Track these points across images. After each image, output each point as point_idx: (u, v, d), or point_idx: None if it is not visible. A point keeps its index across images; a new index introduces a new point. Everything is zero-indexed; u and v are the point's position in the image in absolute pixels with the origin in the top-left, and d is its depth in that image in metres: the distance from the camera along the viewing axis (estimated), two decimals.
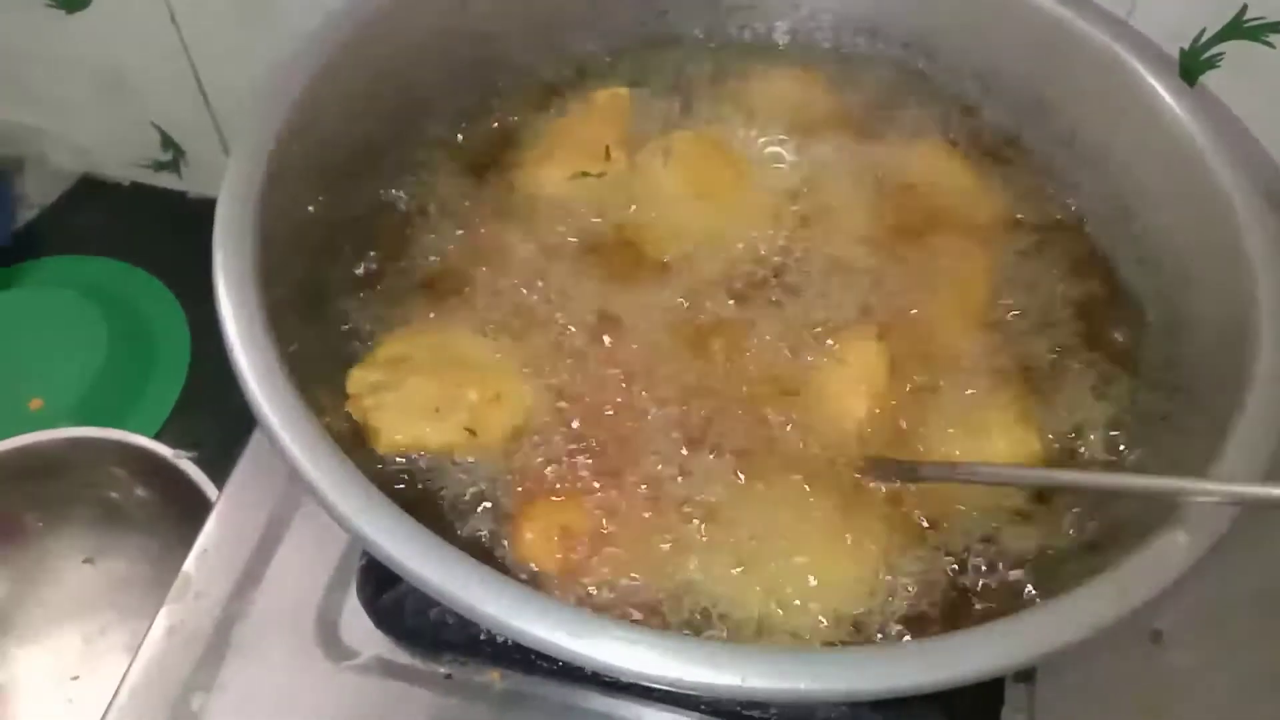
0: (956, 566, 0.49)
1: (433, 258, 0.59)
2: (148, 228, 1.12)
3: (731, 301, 0.57)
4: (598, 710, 0.58)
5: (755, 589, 0.47)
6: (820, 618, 0.46)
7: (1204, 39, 0.67)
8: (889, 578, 0.48)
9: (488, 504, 0.50)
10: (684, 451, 0.51)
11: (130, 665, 0.59)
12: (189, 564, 0.62)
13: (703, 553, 0.48)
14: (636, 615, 0.47)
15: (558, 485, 0.50)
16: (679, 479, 0.51)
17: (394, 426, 0.50)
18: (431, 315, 0.56)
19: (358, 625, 0.60)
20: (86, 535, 0.88)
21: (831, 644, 0.46)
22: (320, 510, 0.63)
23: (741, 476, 0.50)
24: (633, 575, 0.48)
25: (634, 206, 0.61)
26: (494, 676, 0.59)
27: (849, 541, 0.48)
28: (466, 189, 0.62)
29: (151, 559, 0.88)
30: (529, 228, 0.60)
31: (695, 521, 0.49)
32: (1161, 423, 0.53)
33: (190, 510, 0.82)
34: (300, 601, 0.61)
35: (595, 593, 0.47)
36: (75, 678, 0.85)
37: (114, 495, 0.87)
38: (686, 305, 0.57)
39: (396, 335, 0.55)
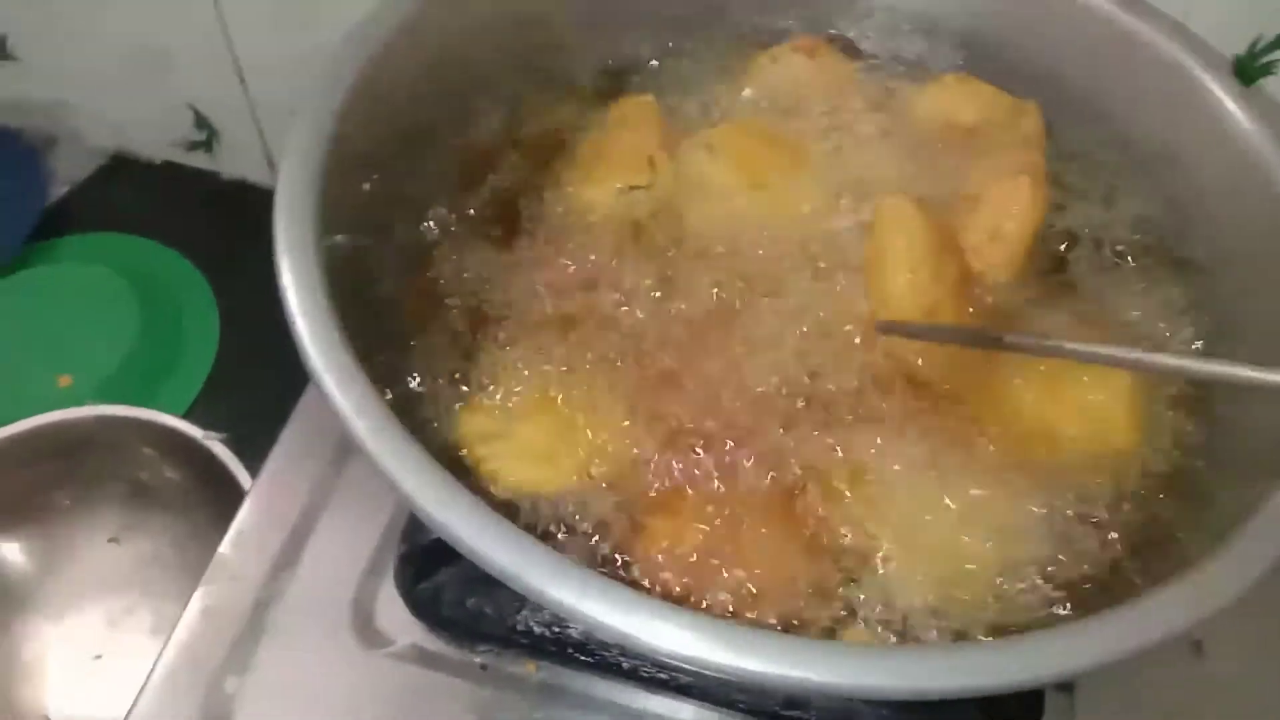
0: None
1: (481, 287, 0.56)
2: (178, 207, 1.12)
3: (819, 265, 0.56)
4: (633, 705, 0.58)
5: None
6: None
7: (1260, 45, 0.66)
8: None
9: (603, 536, 0.48)
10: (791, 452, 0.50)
11: (164, 646, 0.59)
12: (225, 546, 0.61)
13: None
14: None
15: (676, 507, 0.48)
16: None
17: (509, 473, 0.48)
18: (506, 347, 0.54)
19: (393, 612, 0.59)
20: (113, 514, 0.88)
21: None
22: (357, 497, 0.64)
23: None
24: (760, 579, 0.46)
25: (689, 213, 0.59)
26: (530, 668, 0.59)
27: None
28: (511, 206, 0.60)
29: (178, 540, 0.88)
30: (587, 253, 0.57)
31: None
32: None
33: (218, 492, 0.81)
34: (336, 587, 0.60)
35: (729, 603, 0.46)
36: (98, 657, 0.84)
37: (142, 475, 0.87)
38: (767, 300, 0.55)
39: (491, 374, 0.53)
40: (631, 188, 0.59)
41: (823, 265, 0.56)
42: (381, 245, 0.55)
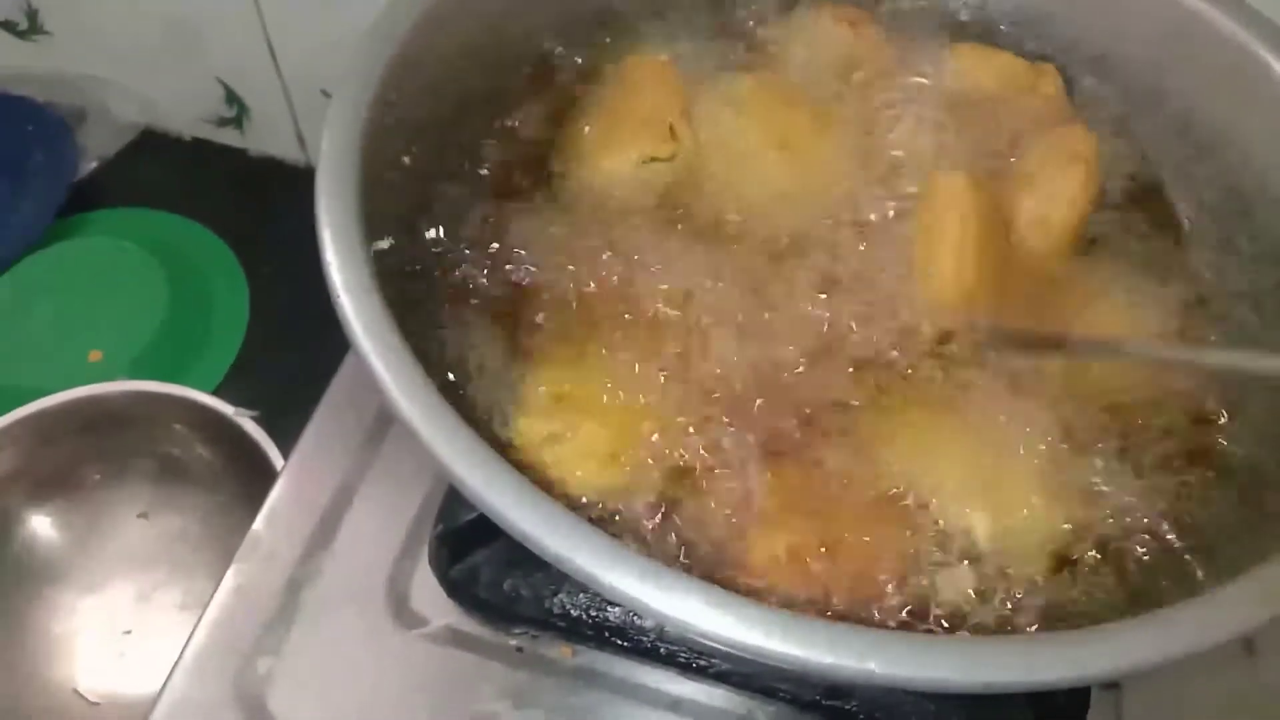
0: None
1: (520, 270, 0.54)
2: (207, 184, 1.12)
3: (861, 246, 0.54)
4: (671, 691, 0.57)
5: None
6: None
7: None
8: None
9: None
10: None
11: (196, 625, 0.58)
12: (259, 524, 0.61)
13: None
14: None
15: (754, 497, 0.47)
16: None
17: (575, 478, 0.47)
18: (549, 339, 0.52)
19: (428, 593, 0.59)
20: (143, 490, 0.88)
21: None
22: (392, 477, 0.63)
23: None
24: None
25: (717, 182, 0.57)
26: (565, 652, 0.58)
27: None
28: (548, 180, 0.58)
29: (207, 516, 0.88)
30: (614, 233, 0.55)
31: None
32: None
33: (248, 469, 0.81)
34: (370, 567, 0.60)
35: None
36: (128, 632, 0.84)
37: (172, 451, 0.86)
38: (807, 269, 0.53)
39: (541, 373, 0.50)
40: (653, 159, 0.56)
41: (861, 232, 0.55)
42: (421, 222, 0.54)
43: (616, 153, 0.57)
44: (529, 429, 0.48)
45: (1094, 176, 0.57)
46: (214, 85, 1.05)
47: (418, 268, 0.52)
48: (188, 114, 1.10)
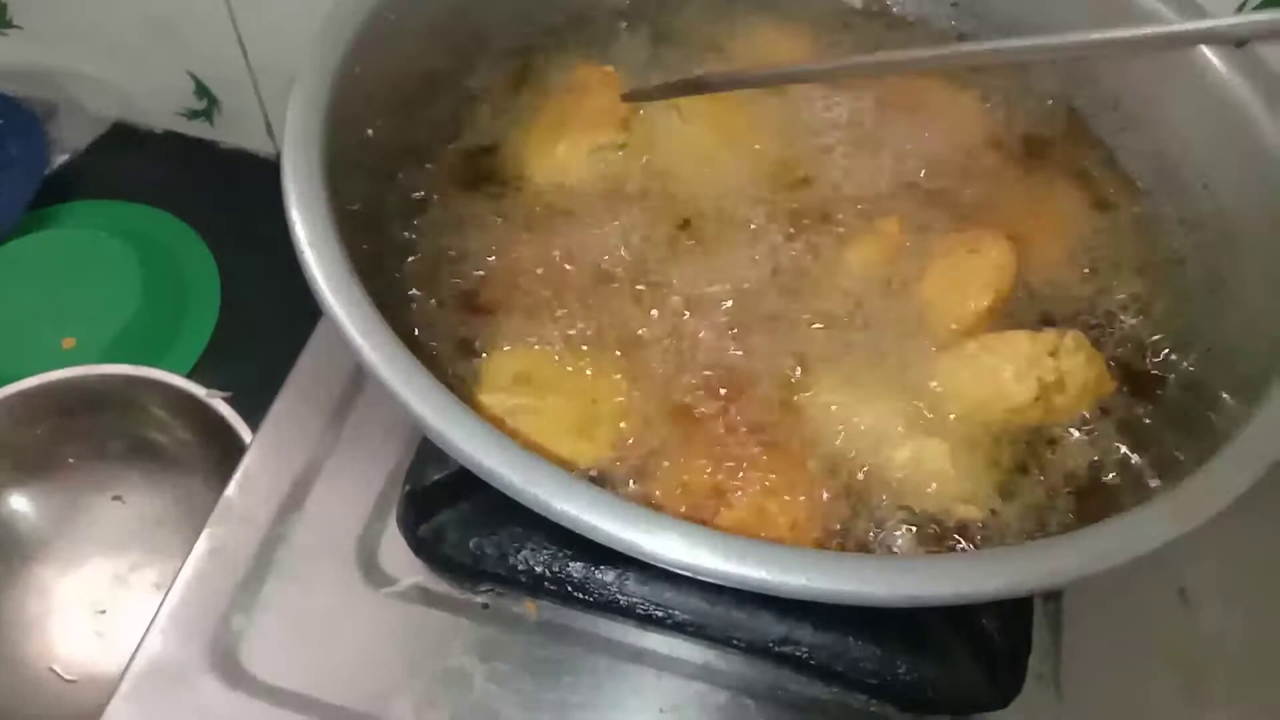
0: None
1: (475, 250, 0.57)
2: (179, 176, 1.13)
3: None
4: (631, 642, 0.59)
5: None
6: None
7: (1248, 6, 0.68)
8: None
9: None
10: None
11: (170, 585, 0.60)
12: (231, 489, 0.63)
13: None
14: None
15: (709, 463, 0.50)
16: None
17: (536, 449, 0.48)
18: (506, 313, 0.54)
19: (397, 554, 0.61)
20: (119, 472, 0.89)
21: None
22: (362, 442, 0.65)
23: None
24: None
25: (666, 177, 0.60)
26: (530, 607, 0.60)
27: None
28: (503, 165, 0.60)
29: (182, 499, 0.89)
30: (573, 215, 0.58)
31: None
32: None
33: (223, 451, 0.83)
34: (341, 529, 0.62)
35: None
36: (103, 611, 0.86)
37: (147, 433, 0.88)
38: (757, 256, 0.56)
39: (503, 353, 0.53)
40: (602, 148, 0.59)
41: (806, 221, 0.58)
42: (384, 195, 0.56)
43: (570, 140, 0.60)
44: (492, 404, 0.50)
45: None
46: (184, 78, 1.06)
47: (380, 242, 0.54)
48: (159, 107, 1.12)
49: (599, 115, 0.60)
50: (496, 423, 0.46)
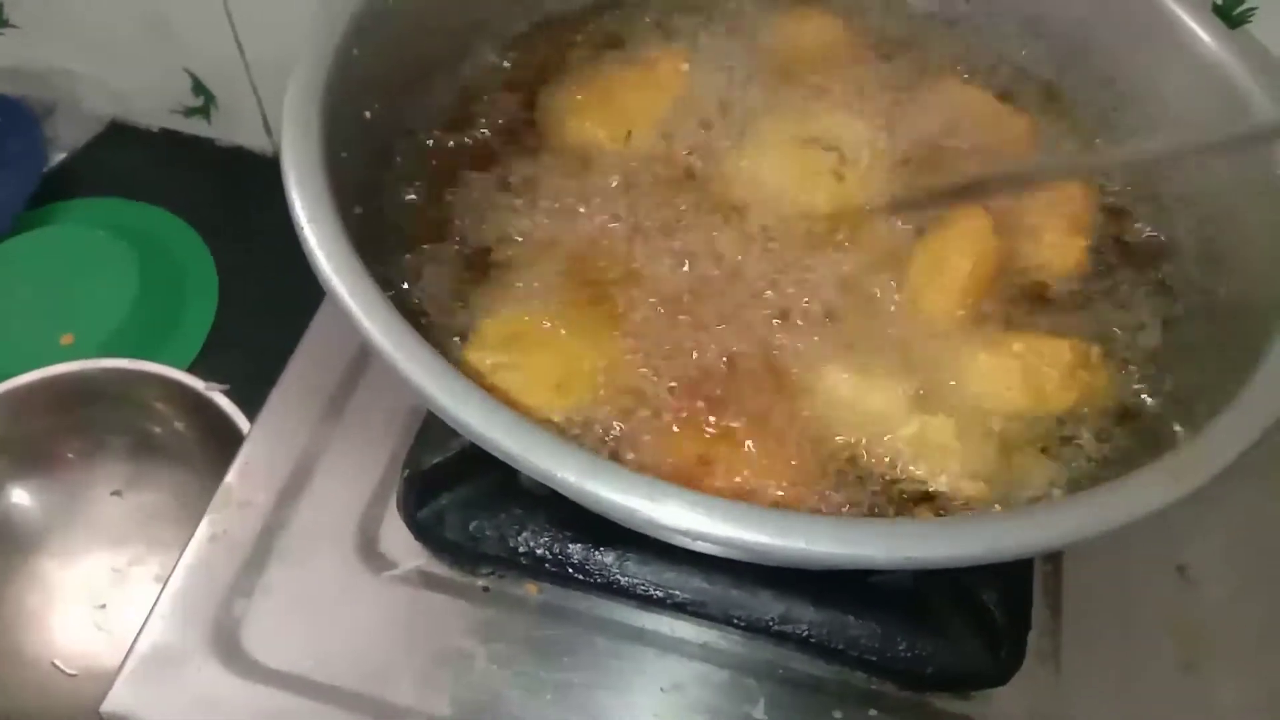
0: None
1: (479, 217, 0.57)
2: (176, 173, 1.13)
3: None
4: (633, 624, 0.59)
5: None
6: None
7: None
8: None
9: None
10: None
11: (172, 570, 0.60)
12: (231, 475, 0.63)
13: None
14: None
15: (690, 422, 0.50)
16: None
17: (524, 405, 0.49)
18: (506, 278, 0.55)
19: (397, 537, 0.61)
20: (118, 467, 0.89)
21: None
22: (362, 428, 0.65)
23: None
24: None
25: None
26: (531, 589, 0.60)
27: None
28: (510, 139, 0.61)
29: (181, 493, 0.89)
30: (588, 190, 0.59)
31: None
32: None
33: (221, 444, 0.83)
34: (341, 514, 0.62)
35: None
36: (103, 606, 0.86)
37: (146, 427, 0.88)
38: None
39: (497, 318, 0.53)
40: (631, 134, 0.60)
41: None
42: (382, 172, 0.56)
43: (608, 124, 0.60)
44: (477, 360, 0.50)
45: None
46: (181, 76, 1.07)
47: (379, 221, 0.55)
48: (155, 105, 1.12)
49: (650, 96, 0.61)
50: (478, 379, 0.47)
